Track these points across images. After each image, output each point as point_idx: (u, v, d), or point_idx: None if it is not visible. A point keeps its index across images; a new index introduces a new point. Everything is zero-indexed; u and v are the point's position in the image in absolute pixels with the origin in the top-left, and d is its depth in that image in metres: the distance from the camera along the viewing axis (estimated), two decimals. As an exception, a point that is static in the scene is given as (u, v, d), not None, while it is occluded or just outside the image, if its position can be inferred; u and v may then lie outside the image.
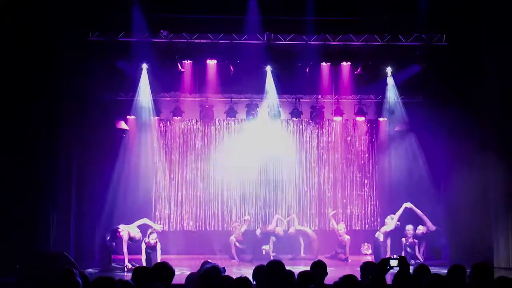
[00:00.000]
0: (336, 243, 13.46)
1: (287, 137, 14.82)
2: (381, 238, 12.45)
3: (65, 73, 11.22)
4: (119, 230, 11.69)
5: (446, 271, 5.26)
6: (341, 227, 13.52)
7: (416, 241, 12.75)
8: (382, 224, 13.07)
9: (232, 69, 12.64)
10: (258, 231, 13.51)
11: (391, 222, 12.62)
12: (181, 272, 9.32)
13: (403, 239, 12.77)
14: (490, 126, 11.42)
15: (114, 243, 11.74)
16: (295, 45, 12.54)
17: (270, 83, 13.27)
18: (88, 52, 11.79)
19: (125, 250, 11.56)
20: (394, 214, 12.71)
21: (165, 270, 5.19)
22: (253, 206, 14.35)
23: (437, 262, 11.78)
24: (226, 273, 5.18)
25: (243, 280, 4.77)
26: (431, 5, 11.29)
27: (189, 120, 14.76)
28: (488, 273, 5.02)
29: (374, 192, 14.77)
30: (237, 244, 13.10)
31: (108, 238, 11.71)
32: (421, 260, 12.22)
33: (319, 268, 5.58)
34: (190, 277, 5.78)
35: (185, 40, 12.40)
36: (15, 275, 9.25)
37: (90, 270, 10.79)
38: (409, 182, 13.76)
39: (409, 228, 12.74)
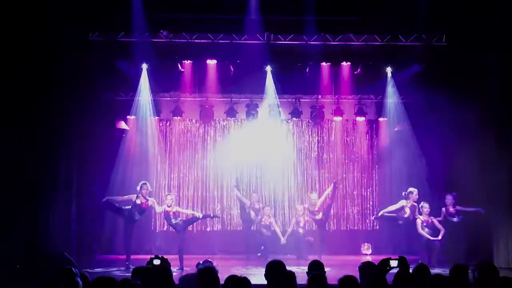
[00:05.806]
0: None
1: (287, 137, 14.80)
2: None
3: (65, 73, 11.21)
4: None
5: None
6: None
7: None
8: (382, 224, 12.99)
9: (232, 69, 12.65)
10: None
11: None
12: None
13: (444, 209, 12.00)
14: (490, 126, 11.41)
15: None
16: (295, 45, 12.53)
17: (270, 83, 13.26)
18: (88, 52, 11.78)
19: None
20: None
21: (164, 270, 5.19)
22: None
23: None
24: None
25: (242, 280, 4.76)
26: (431, 5, 11.29)
27: (189, 120, 14.75)
28: (494, 273, 5.02)
29: (374, 192, 14.77)
30: (264, 231, 12.91)
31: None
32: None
33: (317, 268, 5.57)
34: (184, 278, 5.74)
35: (185, 40, 12.40)
36: (15, 275, 9.25)
37: (98, 269, 10.69)
38: (409, 182, 13.71)
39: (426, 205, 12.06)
